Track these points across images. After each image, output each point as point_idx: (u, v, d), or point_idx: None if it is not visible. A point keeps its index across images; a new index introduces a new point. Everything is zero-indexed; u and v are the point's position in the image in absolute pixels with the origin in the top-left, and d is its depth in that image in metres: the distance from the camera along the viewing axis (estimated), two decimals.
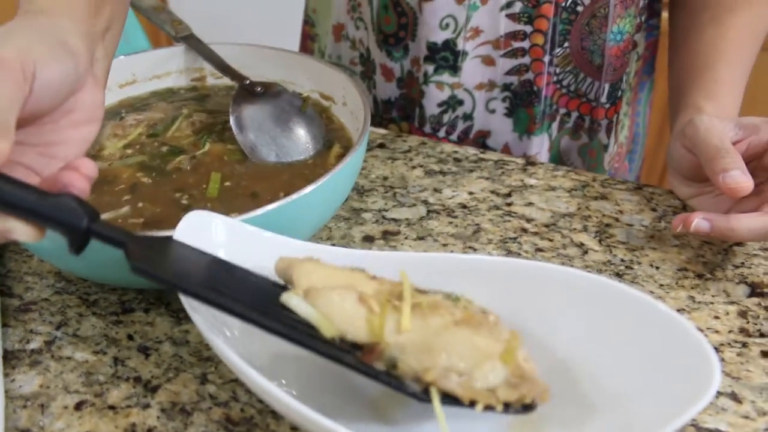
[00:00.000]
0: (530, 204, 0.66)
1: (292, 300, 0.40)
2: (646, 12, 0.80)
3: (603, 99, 0.80)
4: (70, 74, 0.44)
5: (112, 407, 0.47)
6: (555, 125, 0.82)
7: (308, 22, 0.94)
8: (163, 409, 0.47)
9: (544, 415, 0.43)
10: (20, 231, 0.39)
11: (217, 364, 0.50)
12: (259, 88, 0.69)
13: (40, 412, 0.47)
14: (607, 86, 0.80)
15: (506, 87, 0.79)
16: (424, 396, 0.39)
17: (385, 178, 0.70)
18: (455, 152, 0.74)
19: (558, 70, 0.78)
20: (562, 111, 0.81)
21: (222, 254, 0.45)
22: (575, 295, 0.45)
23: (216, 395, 0.48)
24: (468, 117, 0.81)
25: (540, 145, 0.81)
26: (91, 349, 0.52)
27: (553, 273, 0.46)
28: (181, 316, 0.54)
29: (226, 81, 0.76)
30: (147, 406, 0.47)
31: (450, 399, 0.38)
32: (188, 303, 0.41)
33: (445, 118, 0.81)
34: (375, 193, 0.67)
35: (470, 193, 0.67)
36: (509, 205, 0.66)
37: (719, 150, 0.57)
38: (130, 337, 0.53)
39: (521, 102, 0.79)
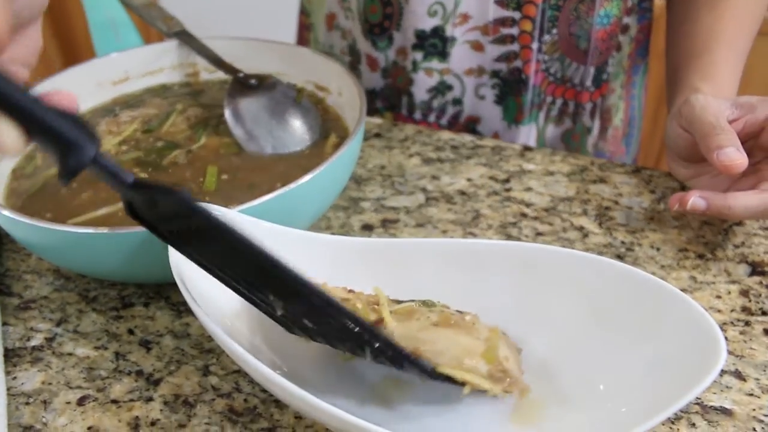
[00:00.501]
0: (529, 189, 0.66)
1: None
2: None
3: (588, 83, 0.81)
4: None
5: (114, 401, 0.47)
6: (542, 114, 0.82)
7: (304, 12, 0.94)
8: (166, 401, 0.47)
9: (548, 396, 0.43)
10: (4, 133, 0.32)
11: (218, 356, 0.50)
12: (253, 81, 0.69)
13: (43, 408, 0.47)
14: (592, 70, 0.80)
15: (495, 74, 0.79)
16: (431, 370, 0.39)
17: (383, 167, 0.69)
18: (452, 140, 0.73)
19: (546, 58, 0.78)
20: (548, 99, 0.81)
21: None
22: (578, 275, 0.44)
23: (218, 386, 0.48)
24: (458, 102, 0.81)
25: (527, 135, 0.82)
26: (92, 344, 0.52)
27: (555, 255, 0.46)
28: (181, 309, 0.54)
29: (220, 75, 0.76)
30: (150, 399, 0.47)
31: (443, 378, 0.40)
32: (189, 295, 0.41)
33: (435, 103, 0.81)
34: (373, 182, 0.67)
35: (468, 180, 0.67)
36: (508, 190, 0.66)
37: (714, 127, 0.57)
38: (130, 332, 0.53)
39: (510, 90, 0.79)
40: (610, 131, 0.87)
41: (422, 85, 0.80)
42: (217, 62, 0.73)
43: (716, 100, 0.60)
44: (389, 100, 0.84)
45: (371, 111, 0.86)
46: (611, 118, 0.86)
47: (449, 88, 0.80)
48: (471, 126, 0.82)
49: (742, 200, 0.55)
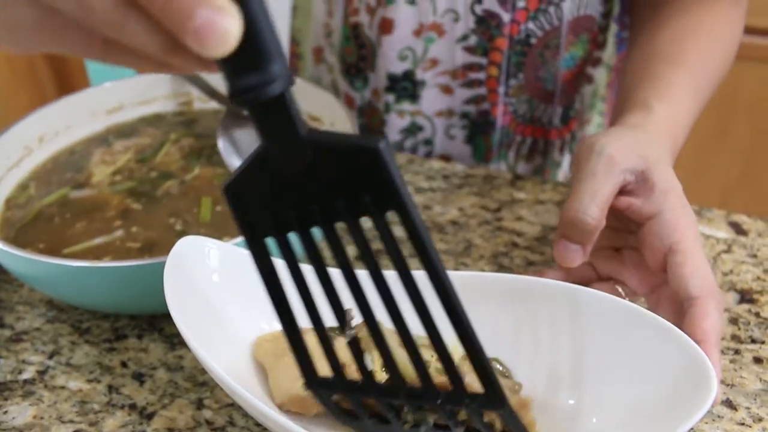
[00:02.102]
0: (520, 218, 0.67)
1: None
2: (603, 33, 0.80)
3: (556, 121, 0.82)
4: None
5: None
6: (512, 153, 0.83)
7: (294, 41, 0.95)
8: None
9: (554, 427, 0.43)
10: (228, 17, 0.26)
11: (212, 389, 0.50)
12: (246, 112, 0.69)
13: None
14: (560, 109, 0.81)
15: (465, 115, 0.80)
16: None
17: None
18: (443, 169, 0.74)
19: (513, 100, 0.79)
20: (518, 138, 0.82)
21: (216, 279, 0.45)
22: (570, 308, 0.45)
23: (212, 420, 0.48)
24: (429, 142, 0.82)
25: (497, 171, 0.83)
26: (85, 377, 0.51)
27: (546, 287, 0.46)
28: (174, 342, 0.54)
29: (214, 105, 0.76)
30: None
31: None
32: (182, 325, 0.41)
33: (407, 143, 0.82)
34: None
35: (460, 209, 0.68)
36: (499, 219, 0.66)
37: (579, 208, 0.48)
38: (123, 364, 0.52)
39: (479, 131, 0.81)
40: (568, 164, 0.87)
41: (394, 126, 0.81)
42: (211, 92, 0.74)
43: (624, 150, 0.50)
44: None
45: None
46: (573, 151, 0.87)
47: (420, 128, 0.81)
48: None
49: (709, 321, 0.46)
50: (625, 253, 0.53)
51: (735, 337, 0.54)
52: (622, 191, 0.50)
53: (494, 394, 0.35)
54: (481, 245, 0.63)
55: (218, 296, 0.45)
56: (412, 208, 0.33)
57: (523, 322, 0.46)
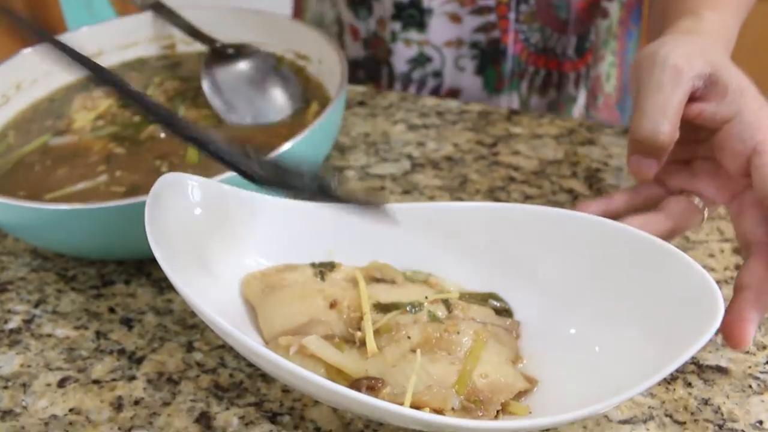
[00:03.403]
0: (516, 153, 0.65)
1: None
2: None
3: (570, 52, 0.79)
4: None
5: (96, 382, 0.46)
6: (524, 84, 0.80)
7: None
8: (150, 379, 0.46)
9: (542, 358, 0.42)
10: None
11: (202, 331, 0.49)
12: (230, 50, 0.67)
13: (23, 391, 0.45)
14: (574, 39, 0.78)
15: (474, 45, 0.77)
16: None
17: (367, 135, 0.68)
18: (437, 106, 0.72)
19: (525, 28, 0.76)
20: (531, 69, 0.80)
21: (199, 215, 0.43)
22: (569, 236, 0.43)
23: (203, 362, 0.47)
24: (438, 74, 0.80)
25: (509, 104, 0.80)
26: (72, 324, 0.50)
27: (545, 215, 0.44)
28: (163, 286, 0.53)
29: (198, 47, 0.74)
30: (133, 378, 0.46)
31: None
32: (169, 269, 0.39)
33: (415, 75, 0.80)
34: (357, 150, 0.66)
35: (455, 145, 0.66)
36: (495, 154, 0.64)
37: (654, 109, 0.45)
38: (111, 310, 0.51)
39: (489, 60, 0.78)
40: (601, 99, 0.85)
41: (401, 56, 0.79)
42: (194, 33, 0.71)
43: (687, 56, 0.46)
44: (371, 71, 0.83)
45: (354, 81, 0.85)
46: (602, 87, 0.84)
47: (429, 60, 0.79)
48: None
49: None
50: (696, 164, 0.49)
51: (739, 267, 0.53)
52: (691, 98, 0.46)
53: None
54: (477, 180, 0.61)
55: (202, 233, 0.43)
56: None
57: (522, 252, 0.45)
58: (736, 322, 0.40)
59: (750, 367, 0.45)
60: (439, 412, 0.37)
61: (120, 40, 0.74)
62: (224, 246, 0.44)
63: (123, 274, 0.54)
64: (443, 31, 0.77)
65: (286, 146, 0.49)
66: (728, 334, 0.40)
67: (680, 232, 0.47)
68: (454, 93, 0.80)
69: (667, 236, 0.45)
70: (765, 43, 1.41)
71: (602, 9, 0.78)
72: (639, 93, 0.46)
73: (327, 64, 0.65)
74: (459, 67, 0.79)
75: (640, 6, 0.85)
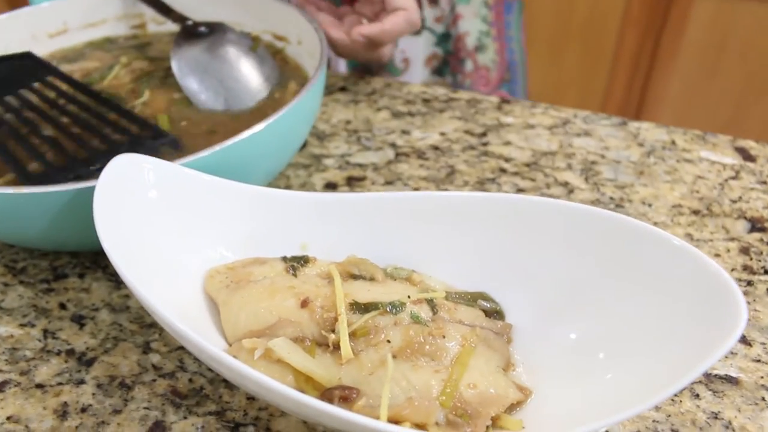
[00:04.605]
0: (508, 143, 0.60)
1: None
2: None
3: None
4: None
5: (40, 386, 0.41)
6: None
7: None
8: (100, 384, 0.41)
9: (538, 366, 0.37)
10: None
11: (162, 331, 0.44)
12: (203, 29, 0.62)
13: None
14: None
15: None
16: None
17: (348, 122, 0.63)
18: (423, 93, 0.67)
19: None
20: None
21: (155, 199, 0.38)
22: (571, 230, 0.39)
23: (160, 365, 0.42)
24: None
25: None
26: (17, 321, 0.45)
27: (545, 207, 0.40)
28: (120, 280, 0.48)
29: (170, 27, 0.69)
30: (81, 382, 0.41)
31: None
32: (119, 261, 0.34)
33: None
34: (337, 138, 0.61)
35: (442, 134, 0.61)
36: (485, 144, 0.60)
37: None
38: (62, 306, 0.46)
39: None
40: (469, 64, 0.80)
41: None
42: (164, 10, 0.66)
43: None
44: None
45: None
46: (465, 48, 0.81)
47: None
48: None
49: (392, 20, 0.59)
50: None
51: (747, 268, 0.49)
52: None
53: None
54: (466, 171, 0.57)
55: (160, 222, 0.39)
56: None
57: (515, 248, 0.40)
58: None
59: (762, 377, 0.41)
60: (421, 427, 0.33)
61: (87, 17, 0.69)
62: (185, 236, 0.40)
63: (77, 267, 0.49)
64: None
65: (257, 128, 0.45)
66: None
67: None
68: None
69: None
70: (755, 45, 1.38)
71: None
72: None
73: (306, 44, 0.61)
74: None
75: None
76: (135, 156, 0.39)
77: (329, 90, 0.67)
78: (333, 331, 0.37)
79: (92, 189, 0.41)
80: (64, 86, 0.56)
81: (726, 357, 0.43)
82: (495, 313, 0.40)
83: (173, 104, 0.58)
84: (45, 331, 0.45)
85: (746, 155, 0.60)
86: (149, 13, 0.70)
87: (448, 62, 0.81)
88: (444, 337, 0.36)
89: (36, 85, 0.55)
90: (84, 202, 0.41)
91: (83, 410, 0.39)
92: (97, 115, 0.53)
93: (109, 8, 0.69)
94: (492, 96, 0.67)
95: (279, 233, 0.42)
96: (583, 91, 1.61)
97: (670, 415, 0.39)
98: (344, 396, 0.34)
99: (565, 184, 0.56)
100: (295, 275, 0.40)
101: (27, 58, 0.57)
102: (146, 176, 0.39)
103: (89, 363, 0.42)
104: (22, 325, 0.45)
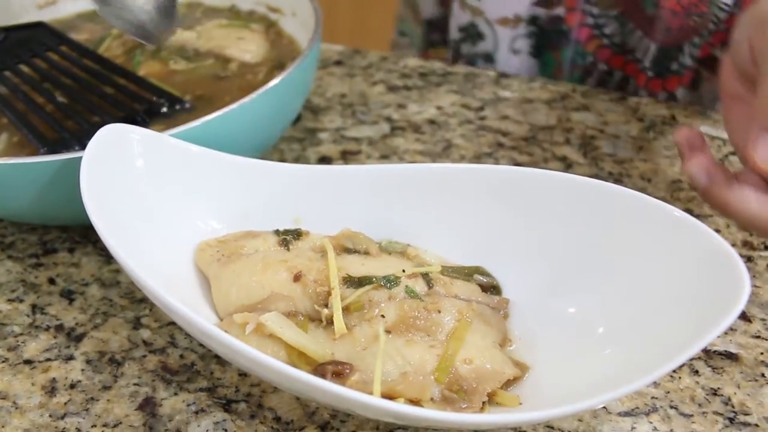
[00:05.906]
0: (505, 117, 0.59)
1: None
2: None
3: (646, 63, 0.66)
4: None
5: (28, 362, 0.40)
6: (591, 81, 0.69)
7: None
8: (89, 360, 0.40)
9: (537, 341, 0.37)
10: None
11: (152, 306, 0.43)
12: None
13: None
14: (653, 47, 0.64)
15: (532, 20, 0.67)
16: None
17: (343, 96, 0.62)
18: (420, 67, 0.66)
19: (596, 12, 0.65)
20: (602, 66, 0.68)
21: (142, 166, 0.37)
22: (571, 203, 0.38)
23: (151, 341, 0.41)
24: (489, 58, 0.70)
25: None
26: (6, 297, 0.44)
27: (545, 179, 0.39)
28: (110, 255, 0.47)
29: None
30: (70, 357, 0.40)
31: None
32: (110, 239, 0.33)
33: (464, 48, 0.71)
34: (332, 112, 0.60)
35: (438, 108, 0.60)
36: (482, 119, 0.59)
37: None
38: (51, 281, 0.45)
39: (547, 40, 0.67)
40: None
41: (456, 18, 0.70)
42: None
43: None
44: (444, 32, 0.74)
45: (427, 44, 0.77)
46: None
47: (480, 36, 0.69)
48: None
49: (744, 203, 0.38)
50: None
51: (747, 244, 0.48)
52: None
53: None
54: (462, 145, 0.56)
55: (149, 194, 0.38)
56: None
57: (513, 221, 0.39)
58: None
59: (762, 353, 0.41)
60: (416, 402, 0.32)
61: None
62: (175, 209, 0.39)
63: (67, 242, 0.48)
64: (500, 4, 0.67)
65: (245, 100, 0.44)
66: None
67: None
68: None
69: None
70: None
71: (703, 22, 0.63)
72: (760, 60, 0.39)
73: (300, 16, 0.59)
74: (513, 49, 0.69)
75: None
76: (123, 126, 0.38)
77: (324, 63, 0.66)
78: (326, 305, 0.36)
79: (79, 160, 0.40)
80: (76, 55, 0.55)
81: (725, 333, 0.42)
82: (492, 288, 0.40)
83: (167, 77, 0.57)
84: (34, 307, 0.44)
85: None
86: None
87: None
88: (439, 311, 0.36)
89: (50, 54, 0.54)
90: (72, 174, 0.40)
91: (72, 386, 0.39)
92: (112, 83, 0.52)
93: None
94: (489, 70, 0.66)
95: (272, 206, 0.41)
96: None
97: (669, 392, 0.38)
98: (337, 371, 0.33)
99: (564, 158, 0.55)
100: (287, 249, 0.39)
101: (40, 27, 0.57)
102: (134, 147, 0.38)
103: (78, 339, 0.42)
104: (10, 300, 0.44)
